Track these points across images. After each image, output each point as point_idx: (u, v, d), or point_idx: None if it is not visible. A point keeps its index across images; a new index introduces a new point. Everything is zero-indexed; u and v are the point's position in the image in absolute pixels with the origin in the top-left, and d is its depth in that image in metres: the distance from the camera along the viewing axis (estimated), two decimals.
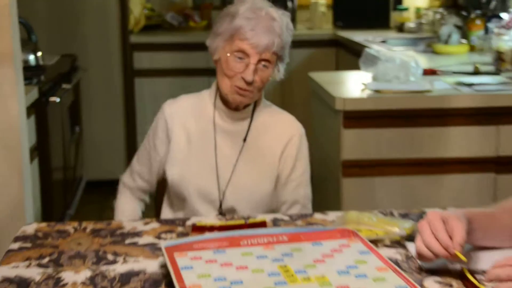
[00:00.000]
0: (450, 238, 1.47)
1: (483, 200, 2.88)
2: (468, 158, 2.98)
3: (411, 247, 1.68)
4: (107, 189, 4.93)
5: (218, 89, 2.15)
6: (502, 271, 1.39)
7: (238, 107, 2.13)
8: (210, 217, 1.95)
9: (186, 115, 2.17)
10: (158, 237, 1.76)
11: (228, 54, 2.04)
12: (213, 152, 2.13)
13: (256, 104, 2.17)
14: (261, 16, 2.02)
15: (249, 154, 2.14)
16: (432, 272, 1.54)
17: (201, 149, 2.14)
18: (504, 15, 3.78)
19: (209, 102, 2.17)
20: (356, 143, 2.93)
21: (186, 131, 2.15)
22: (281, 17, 2.06)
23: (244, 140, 2.15)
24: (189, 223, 1.86)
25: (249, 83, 2.03)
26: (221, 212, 2.11)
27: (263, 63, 2.04)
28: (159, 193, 2.34)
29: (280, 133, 2.17)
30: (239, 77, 2.03)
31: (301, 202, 2.19)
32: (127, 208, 2.30)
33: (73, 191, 4.13)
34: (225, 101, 2.13)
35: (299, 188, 2.19)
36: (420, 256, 1.52)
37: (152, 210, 2.45)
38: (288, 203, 2.18)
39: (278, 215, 1.94)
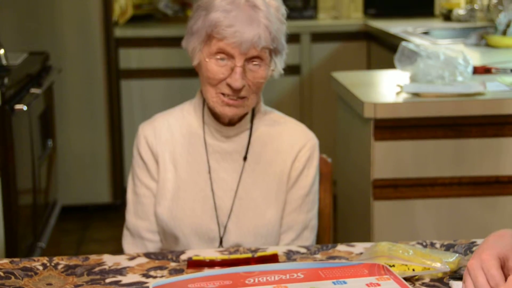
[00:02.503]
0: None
1: None
2: None
3: (456, 286, 1.69)
4: (86, 216, 4.99)
5: (204, 101, 2.13)
6: None
7: (231, 120, 2.11)
8: (210, 251, 1.96)
9: (169, 137, 2.14)
10: (146, 275, 1.77)
11: (209, 60, 2.01)
12: (208, 179, 2.11)
13: (254, 112, 2.15)
14: (240, 5, 1.98)
15: (252, 176, 2.13)
16: None
17: (192, 177, 2.12)
18: None
19: (196, 117, 2.15)
20: (390, 159, 2.93)
21: (172, 157, 2.13)
22: (265, 3, 2.01)
23: (245, 158, 2.13)
24: (184, 257, 1.86)
25: (237, 91, 2.01)
26: (224, 248, 2.08)
27: (253, 62, 2.01)
28: None
29: (288, 146, 2.15)
30: (225, 84, 2.01)
31: (296, 230, 2.15)
32: None
33: (44, 218, 4.14)
34: (215, 114, 2.11)
35: (297, 212, 2.16)
36: None
37: None
38: (281, 228, 2.15)
39: (293, 247, 1.94)
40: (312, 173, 2.17)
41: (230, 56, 1.99)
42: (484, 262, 1.50)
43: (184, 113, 2.17)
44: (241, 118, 2.12)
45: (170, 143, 2.14)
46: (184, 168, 2.12)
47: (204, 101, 2.13)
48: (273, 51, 2.05)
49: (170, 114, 2.19)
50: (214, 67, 2.00)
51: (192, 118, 2.15)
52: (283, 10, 2.08)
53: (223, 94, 2.02)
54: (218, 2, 1.99)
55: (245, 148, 2.13)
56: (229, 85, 2.00)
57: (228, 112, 2.05)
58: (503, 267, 1.50)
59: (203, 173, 2.12)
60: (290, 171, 2.14)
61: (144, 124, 2.18)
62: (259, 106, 2.16)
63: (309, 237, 2.17)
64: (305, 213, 2.17)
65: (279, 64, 2.09)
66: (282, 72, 2.12)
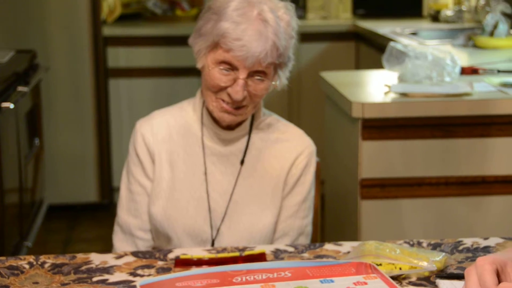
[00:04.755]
0: None
1: None
2: None
3: (443, 285, 1.69)
4: (73, 215, 4.98)
5: (204, 101, 2.13)
6: None
7: (230, 125, 2.11)
8: (199, 249, 1.95)
9: (167, 135, 2.14)
10: (134, 274, 1.77)
11: (212, 66, 2.00)
12: (203, 180, 2.11)
13: (254, 117, 2.15)
14: (251, 18, 1.96)
15: (248, 180, 2.12)
16: None
17: (188, 178, 2.12)
18: None
19: (194, 117, 2.15)
20: (377, 159, 2.94)
21: (168, 157, 2.12)
22: (277, 18, 1.99)
23: (242, 162, 2.13)
24: (171, 256, 1.86)
25: (236, 102, 2.01)
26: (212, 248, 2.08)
27: (256, 76, 2.01)
28: None
29: (286, 152, 2.15)
30: (226, 92, 2.01)
31: (291, 236, 2.16)
32: None
33: (31, 218, 4.13)
34: (214, 117, 2.11)
35: (293, 218, 2.16)
36: None
37: None
38: (276, 234, 2.15)
39: (281, 246, 1.94)
40: (309, 180, 2.17)
41: (234, 68, 1.98)
42: (478, 267, 1.51)
43: (183, 112, 2.16)
44: (240, 122, 2.11)
45: (167, 142, 2.13)
46: (180, 168, 2.12)
47: (203, 104, 2.13)
48: (278, 65, 2.05)
49: (169, 112, 2.18)
50: (217, 75, 2.00)
51: (190, 118, 2.14)
52: (294, 24, 2.06)
53: (223, 100, 2.02)
54: (230, 11, 1.97)
55: (243, 152, 2.13)
56: (229, 95, 2.00)
57: (227, 118, 2.05)
58: (500, 273, 1.51)
59: (199, 174, 2.11)
60: (287, 177, 2.14)
61: (142, 120, 2.17)
62: (259, 111, 2.16)
63: (304, 243, 2.16)
64: (301, 220, 2.17)
65: (283, 76, 2.09)
66: (287, 83, 2.11)
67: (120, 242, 2.16)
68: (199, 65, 2.05)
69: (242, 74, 1.98)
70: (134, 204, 2.15)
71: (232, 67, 1.99)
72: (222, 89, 2.01)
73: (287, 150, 2.15)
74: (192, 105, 2.16)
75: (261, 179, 2.13)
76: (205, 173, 2.12)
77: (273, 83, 2.06)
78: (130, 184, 2.16)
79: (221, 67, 1.99)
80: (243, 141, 2.14)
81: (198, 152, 2.12)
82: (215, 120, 2.10)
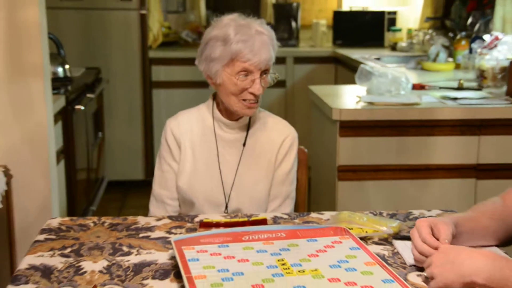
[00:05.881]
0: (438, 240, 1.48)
1: (465, 203, 2.88)
2: (452, 165, 2.98)
3: (397, 244, 1.68)
4: (126, 189, 4.98)
5: (214, 102, 2.11)
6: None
7: (236, 117, 2.09)
8: (216, 215, 1.95)
9: (189, 129, 2.12)
10: (169, 232, 1.77)
11: (232, 78, 1.97)
12: (216, 160, 2.10)
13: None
14: (253, 35, 1.95)
15: (249, 158, 2.11)
16: (415, 267, 1.55)
17: (205, 159, 2.10)
18: (486, 37, 3.78)
19: (208, 115, 2.12)
20: (350, 150, 2.92)
21: (190, 144, 2.11)
22: (267, 28, 2.00)
23: (244, 145, 2.11)
24: (197, 219, 1.87)
25: (257, 96, 2.00)
26: (227, 213, 2.08)
27: (264, 74, 2.00)
28: None
29: (275, 137, 2.13)
30: (247, 94, 1.99)
31: (280, 198, 2.14)
32: None
33: (95, 190, 4.14)
34: (223, 113, 2.09)
35: (281, 185, 2.14)
36: (417, 261, 1.53)
37: None
38: (269, 197, 2.13)
39: (278, 214, 1.94)
40: (292, 157, 2.15)
41: (249, 72, 1.97)
42: (416, 225, 1.53)
43: (200, 111, 2.14)
44: (241, 116, 2.09)
45: (189, 133, 2.12)
46: (199, 152, 2.10)
47: (214, 103, 2.12)
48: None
49: (190, 112, 2.16)
50: (239, 82, 1.97)
51: (205, 116, 2.13)
52: (273, 31, 2.05)
53: (244, 100, 2.00)
54: (233, 36, 1.95)
55: (244, 138, 2.12)
56: (251, 93, 1.99)
57: (249, 112, 2.04)
58: (433, 228, 1.51)
59: (213, 156, 2.10)
60: (277, 155, 2.13)
61: (171, 119, 2.16)
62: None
63: (290, 204, 2.16)
64: (288, 186, 2.15)
65: (272, 70, 2.06)
66: (274, 76, 2.07)
67: (154, 208, 2.16)
68: (218, 81, 2.01)
69: (256, 75, 1.97)
70: (165, 180, 2.14)
71: (247, 73, 1.97)
72: (244, 90, 1.99)
73: (276, 135, 2.14)
74: (206, 106, 2.14)
75: (258, 157, 2.12)
76: (217, 155, 2.10)
77: (274, 75, 2.06)
78: (162, 165, 2.15)
79: (240, 75, 1.97)
80: (244, 129, 2.12)
81: (211, 140, 2.11)
82: (224, 116, 2.09)
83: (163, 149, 2.15)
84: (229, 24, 1.98)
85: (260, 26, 1.99)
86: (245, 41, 1.94)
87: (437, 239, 1.49)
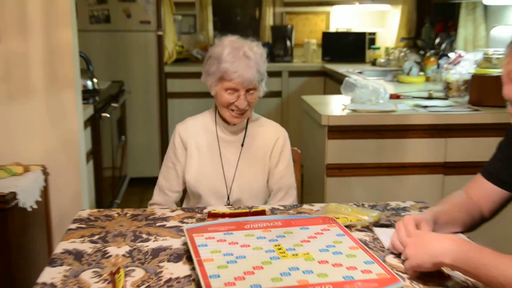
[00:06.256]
0: None
1: (434, 195, 2.88)
2: (423, 163, 2.98)
3: (377, 231, 1.68)
4: (145, 184, 4.97)
5: (216, 110, 2.11)
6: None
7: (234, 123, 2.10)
8: (222, 207, 1.95)
9: (195, 132, 2.12)
10: (182, 221, 1.77)
11: (222, 92, 1.99)
12: (219, 158, 2.09)
13: (248, 118, 2.13)
14: (240, 57, 1.95)
15: (247, 156, 2.11)
16: (392, 251, 1.55)
17: (209, 157, 2.10)
18: (451, 55, 3.79)
19: (211, 120, 2.13)
20: (337, 151, 2.92)
21: (196, 144, 2.11)
22: (254, 53, 1.98)
23: (242, 145, 2.11)
24: (205, 211, 1.86)
25: (242, 110, 2.01)
26: (229, 204, 2.09)
27: (250, 91, 2.00)
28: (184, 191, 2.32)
29: (269, 137, 2.13)
30: (233, 106, 2.00)
31: (284, 190, 2.13)
32: None
33: (119, 185, 4.14)
34: (224, 119, 2.09)
35: (283, 179, 2.13)
36: (393, 247, 1.53)
37: (178, 202, 2.45)
38: (274, 190, 2.14)
39: (275, 205, 1.94)
40: (287, 153, 2.15)
41: (236, 90, 1.98)
42: (404, 220, 1.52)
43: (204, 117, 2.15)
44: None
45: (195, 136, 2.12)
46: (204, 151, 2.10)
47: (216, 111, 2.12)
48: (260, 80, 2.03)
49: (196, 117, 2.17)
50: (227, 97, 1.99)
51: (209, 121, 2.13)
52: (264, 54, 2.04)
53: (232, 110, 2.02)
54: (225, 56, 1.96)
55: (242, 139, 2.12)
56: (237, 106, 2.00)
57: (236, 121, 2.06)
58: (417, 226, 1.51)
59: (216, 155, 2.10)
60: (271, 153, 2.12)
61: (180, 124, 2.17)
62: (251, 114, 2.14)
63: (293, 194, 2.16)
64: (289, 178, 2.15)
65: (263, 86, 2.06)
66: (266, 89, 2.08)
67: (156, 196, 2.17)
68: (212, 93, 2.04)
69: (242, 92, 1.98)
70: (167, 174, 2.15)
71: (234, 90, 1.98)
72: (231, 104, 2.00)
73: (270, 136, 2.14)
74: (209, 113, 2.15)
75: (255, 155, 2.11)
76: (220, 154, 2.10)
77: (261, 92, 2.05)
78: (167, 162, 2.16)
79: (228, 91, 1.99)
80: (243, 132, 2.12)
81: (214, 141, 2.11)
82: (224, 121, 2.09)
83: (170, 149, 2.16)
84: (227, 45, 1.99)
85: (250, 50, 1.98)
86: (232, 62, 1.95)
87: None
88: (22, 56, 2.46)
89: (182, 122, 2.17)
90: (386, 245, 1.58)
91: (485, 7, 3.90)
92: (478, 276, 1.32)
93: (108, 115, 3.52)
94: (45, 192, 2.52)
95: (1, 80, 2.46)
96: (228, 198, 2.09)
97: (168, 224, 1.75)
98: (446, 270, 1.41)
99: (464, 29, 4.06)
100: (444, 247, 1.35)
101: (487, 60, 3.18)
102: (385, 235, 1.63)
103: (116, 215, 1.82)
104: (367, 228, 1.72)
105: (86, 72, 3.64)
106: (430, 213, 1.59)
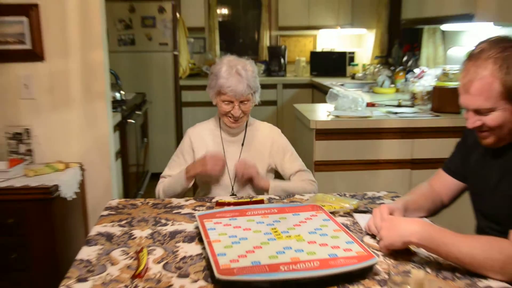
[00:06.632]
0: None
1: (403, 186, 2.87)
2: (394, 160, 2.97)
3: (356, 216, 1.68)
4: None
5: (220, 117, 2.11)
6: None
7: (233, 130, 2.10)
8: (227, 197, 1.95)
9: (203, 134, 2.11)
10: (194, 209, 1.77)
11: (220, 103, 2.00)
12: (223, 155, 2.08)
13: (247, 122, 2.13)
14: (233, 74, 1.96)
15: (247, 153, 2.09)
16: (368, 233, 1.55)
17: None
18: (416, 70, 3.79)
19: (216, 125, 2.12)
20: (323, 150, 2.92)
21: (205, 145, 2.09)
22: (246, 71, 1.98)
23: (242, 144, 2.10)
24: (214, 200, 1.86)
25: (236, 118, 2.01)
26: (233, 193, 2.08)
27: (243, 102, 2.00)
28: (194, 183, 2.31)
29: (265, 136, 2.12)
30: (230, 114, 2.01)
31: (300, 169, 2.10)
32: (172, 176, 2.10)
33: (142, 179, 4.14)
34: (226, 125, 2.09)
35: (294, 162, 2.11)
36: (368, 229, 1.53)
37: (191, 193, 2.44)
38: (294, 173, 2.09)
39: (272, 196, 1.94)
40: (286, 144, 2.12)
41: (231, 101, 1.99)
42: (380, 208, 1.52)
43: (210, 123, 2.14)
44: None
45: (203, 138, 2.11)
46: (211, 150, 2.08)
47: (219, 117, 2.11)
48: (253, 93, 2.02)
49: (204, 123, 2.16)
50: (224, 107, 2.00)
51: (214, 125, 2.12)
52: (255, 70, 2.03)
53: (229, 117, 2.02)
54: (222, 73, 1.97)
55: (243, 139, 2.11)
56: (232, 114, 2.00)
57: (234, 126, 2.05)
58: (391, 213, 1.52)
59: (221, 152, 2.08)
60: (271, 150, 2.10)
61: (190, 128, 2.15)
62: (249, 118, 2.13)
63: (308, 171, 2.10)
64: (297, 161, 2.11)
65: (257, 96, 2.05)
66: (259, 99, 2.06)
67: (160, 184, 2.13)
68: (214, 103, 2.05)
69: (236, 103, 1.98)
70: (173, 166, 2.12)
71: (230, 101, 1.98)
72: (228, 113, 2.00)
73: (266, 135, 2.12)
74: (214, 119, 2.14)
75: (254, 152, 2.09)
76: (224, 152, 2.09)
77: (254, 102, 2.04)
78: (175, 157, 2.14)
79: (225, 102, 1.99)
80: (242, 133, 2.11)
81: (219, 141, 2.10)
82: (226, 125, 2.08)
83: (179, 148, 2.14)
84: (224, 63, 1.99)
85: (242, 68, 1.98)
86: (227, 78, 1.95)
87: None
88: (63, 72, 2.46)
89: (192, 126, 2.16)
90: (364, 228, 1.58)
91: (443, 32, 3.91)
92: (439, 252, 1.33)
93: (133, 121, 3.52)
94: (81, 184, 2.52)
95: (46, 92, 2.47)
96: (232, 188, 2.08)
97: (183, 211, 1.75)
98: (413, 248, 1.41)
99: (426, 49, 4.06)
100: (411, 229, 1.35)
101: (445, 75, 3.18)
102: (363, 220, 1.64)
103: (140, 204, 1.83)
104: (348, 214, 1.72)
105: (115, 85, 3.64)
106: (401, 202, 1.60)
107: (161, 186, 2.09)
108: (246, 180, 2.03)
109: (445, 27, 3.73)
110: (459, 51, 3.70)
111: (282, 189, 2.00)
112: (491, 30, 3.04)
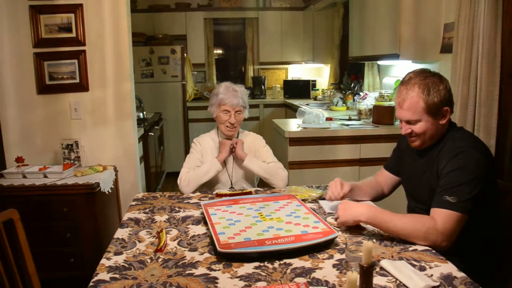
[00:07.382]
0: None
1: (354, 180, 2.84)
2: (347, 159, 2.97)
3: (321, 203, 1.68)
4: (176, 176, 4.90)
5: (217, 128, 2.07)
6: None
7: (230, 137, 2.05)
8: (225, 190, 1.94)
9: (206, 142, 2.06)
10: (200, 199, 1.76)
11: (220, 113, 1.97)
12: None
13: (238, 132, 2.08)
14: (230, 91, 1.96)
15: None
16: (330, 214, 1.55)
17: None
18: (361, 93, 3.83)
19: (216, 135, 2.08)
20: (295, 153, 2.91)
21: (206, 151, 2.04)
22: (240, 89, 1.98)
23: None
24: (214, 192, 1.85)
25: (233, 124, 1.98)
26: (232, 187, 2.03)
27: (237, 112, 1.97)
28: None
29: (251, 142, 2.07)
30: (227, 122, 1.98)
31: (275, 161, 2.01)
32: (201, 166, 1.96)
33: (160, 177, 4.10)
34: (222, 133, 2.05)
35: (270, 157, 2.02)
36: (329, 198, 1.56)
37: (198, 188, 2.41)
38: (269, 162, 2.01)
39: (259, 188, 1.92)
40: (264, 145, 2.07)
41: (229, 111, 1.96)
42: (334, 181, 1.58)
43: (211, 133, 2.10)
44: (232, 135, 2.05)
45: (206, 144, 2.06)
46: (212, 154, 2.03)
47: (217, 129, 2.07)
48: (244, 107, 2.00)
49: (206, 134, 2.12)
50: (223, 116, 1.97)
51: (215, 136, 2.08)
52: (246, 92, 2.02)
53: (227, 126, 1.99)
54: (221, 90, 1.97)
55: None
56: (229, 122, 1.97)
57: (230, 133, 2.01)
58: (342, 186, 1.56)
59: (228, 140, 2.01)
60: (256, 151, 2.05)
61: (196, 138, 2.10)
62: (239, 129, 2.08)
63: (278, 161, 2.03)
64: (272, 157, 2.04)
65: (247, 112, 2.02)
66: (248, 114, 2.03)
67: (186, 174, 2.00)
68: (214, 116, 2.01)
69: (232, 113, 1.96)
70: (191, 160, 2.02)
71: (227, 111, 1.96)
72: (226, 121, 1.98)
73: (251, 141, 2.07)
74: (214, 131, 2.11)
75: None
76: None
77: (244, 114, 2.01)
78: (191, 155, 2.04)
79: (224, 112, 1.96)
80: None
81: (218, 146, 2.05)
82: (223, 134, 2.04)
83: (191, 151, 2.06)
84: (223, 85, 1.99)
85: (237, 87, 1.98)
86: (225, 93, 1.95)
87: (341, 189, 1.55)
88: (102, 99, 2.46)
89: (198, 137, 2.13)
90: (326, 211, 1.58)
91: (379, 65, 3.97)
92: (381, 227, 1.34)
93: (152, 134, 3.49)
94: (115, 182, 2.50)
95: (90, 114, 2.47)
96: (231, 184, 2.05)
97: (191, 201, 1.74)
98: (363, 224, 1.42)
99: (367, 78, 4.11)
100: (361, 211, 1.37)
101: (381, 97, 3.21)
102: (326, 205, 1.64)
103: (159, 196, 1.81)
104: (315, 201, 1.72)
105: (139, 108, 3.61)
106: (351, 183, 1.62)
107: (187, 175, 1.96)
108: (233, 147, 1.96)
109: (380, 62, 3.79)
110: (391, 79, 3.75)
111: (258, 164, 1.92)
112: (411, 65, 3.09)
